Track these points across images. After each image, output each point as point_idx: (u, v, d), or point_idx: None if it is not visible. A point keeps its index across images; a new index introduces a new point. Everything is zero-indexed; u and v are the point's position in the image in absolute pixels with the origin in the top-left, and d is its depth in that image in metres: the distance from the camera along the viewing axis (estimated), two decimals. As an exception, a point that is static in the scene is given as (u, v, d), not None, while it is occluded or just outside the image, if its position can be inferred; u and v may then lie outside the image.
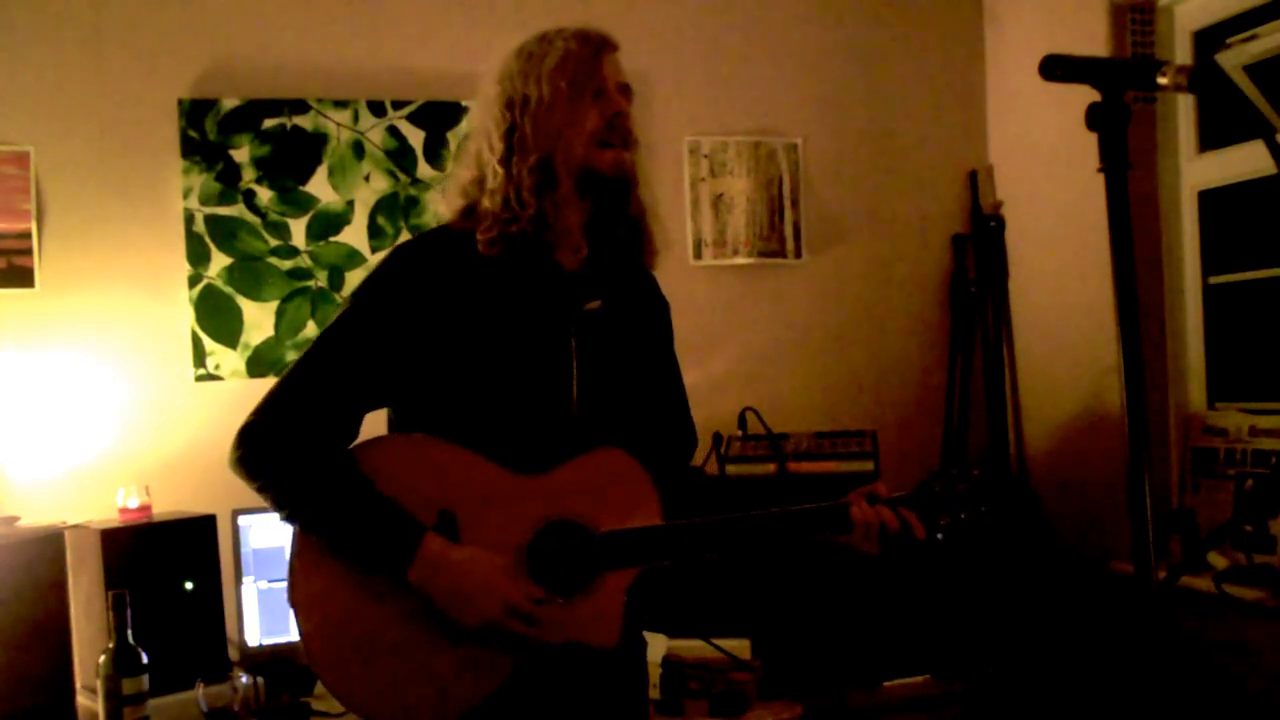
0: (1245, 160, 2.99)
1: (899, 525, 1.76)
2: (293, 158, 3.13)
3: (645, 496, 1.76)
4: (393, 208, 3.21)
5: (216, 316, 3.06)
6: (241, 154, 3.09)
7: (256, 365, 3.07)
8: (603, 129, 1.76)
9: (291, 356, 3.02)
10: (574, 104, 1.75)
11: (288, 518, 1.71)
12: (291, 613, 1.69)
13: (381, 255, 3.07)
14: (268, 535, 2.77)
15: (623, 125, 1.78)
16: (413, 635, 1.67)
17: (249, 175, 3.09)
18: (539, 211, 1.73)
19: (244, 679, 2.51)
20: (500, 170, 1.75)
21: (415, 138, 3.23)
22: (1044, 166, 3.48)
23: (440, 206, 1.87)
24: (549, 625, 1.69)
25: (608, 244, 1.81)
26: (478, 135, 1.82)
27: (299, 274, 3.13)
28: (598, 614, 1.71)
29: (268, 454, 1.70)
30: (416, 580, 1.65)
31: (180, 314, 3.03)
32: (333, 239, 3.17)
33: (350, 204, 3.18)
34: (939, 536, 1.80)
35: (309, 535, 1.70)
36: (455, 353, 1.73)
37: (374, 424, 1.81)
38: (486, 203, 1.76)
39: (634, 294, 1.91)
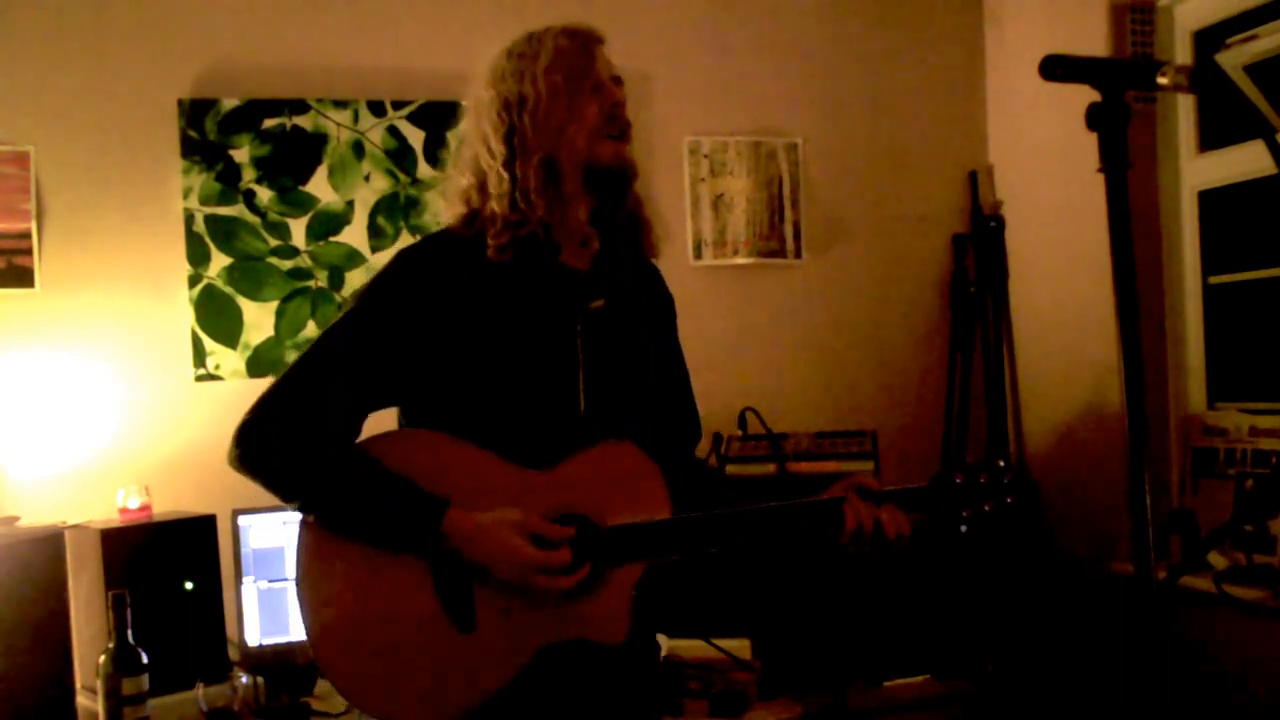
0: (1245, 160, 2.99)
1: (874, 526, 1.75)
2: (293, 158, 3.13)
3: (654, 490, 1.75)
4: (393, 208, 3.21)
5: (216, 317, 3.06)
6: (241, 154, 3.09)
7: (256, 365, 3.07)
8: (604, 121, 1.77)
9: (291, 357, 3.01)
10: (572, 99, 1.76)
11: (300, 508, 1.68)
12: (300, 613, 1.67)
13: (382, 255, 3.10)
14: (268, 535, 2.77)
15: (622, 115, 1.80)
16: (423, 631, 1.66)
17: (249, 175, 3.09)
18: (547, 210, 1.73)
19: (244, 679, 2.51)
20: (504, 174, 1.74)
21: (415, 138, 3.23)
22: (1044, 166, 3.48)
23: (444, 215, 1.85)
24: (556, 621, 1.68)
25: (611, 239, 1.82)
26: (474, 140, 1.81)
27: (299, 274, 3.13)
28: (605, 610, 1.70)
29: (268, 449, 1.68)
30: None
31: (180, 314, 3.03)
32: (333, 239, 3.16)
33: (350, 204, 3.18)
34: (963, 529, 1.78)
35: (323, 524, 1.67)
36: (461, 354, 1.72)
37: (382, 424, 1.79)
38: (494, 206, 1.75)
39: (639, 289, 1.91)
